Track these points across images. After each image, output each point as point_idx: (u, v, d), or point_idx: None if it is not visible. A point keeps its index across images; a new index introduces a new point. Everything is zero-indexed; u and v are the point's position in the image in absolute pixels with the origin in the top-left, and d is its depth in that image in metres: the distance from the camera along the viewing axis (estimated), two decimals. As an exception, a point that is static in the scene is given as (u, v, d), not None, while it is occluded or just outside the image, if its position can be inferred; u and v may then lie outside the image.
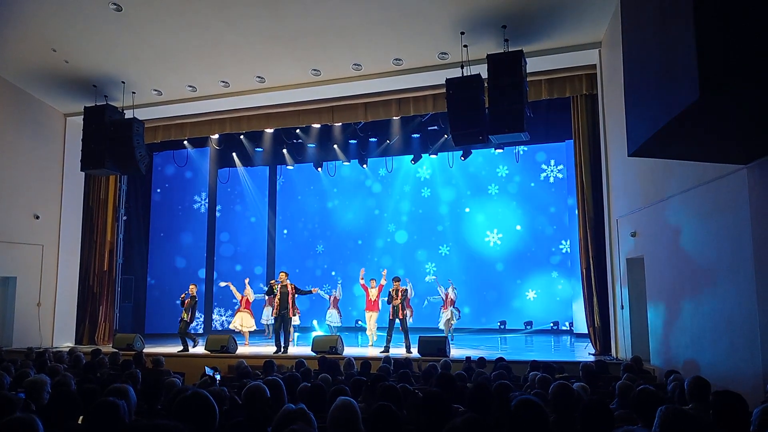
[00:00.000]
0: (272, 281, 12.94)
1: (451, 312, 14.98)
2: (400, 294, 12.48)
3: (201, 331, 16.86)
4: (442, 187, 20.28)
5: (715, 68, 3.93)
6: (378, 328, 13.82)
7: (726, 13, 3.96)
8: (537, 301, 18.70)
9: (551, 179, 19.05)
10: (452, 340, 14.32)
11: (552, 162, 19.06)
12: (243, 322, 14.43)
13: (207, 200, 19.41)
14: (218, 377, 6.72)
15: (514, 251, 19.18)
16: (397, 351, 12.03)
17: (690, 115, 4.38)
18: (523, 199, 19.36)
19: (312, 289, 13.77)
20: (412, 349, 11.96)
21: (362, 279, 14.03)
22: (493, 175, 19.67)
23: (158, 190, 19.29)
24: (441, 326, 15.06)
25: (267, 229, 20.81)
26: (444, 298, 15.17)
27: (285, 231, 21.36)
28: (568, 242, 17.73)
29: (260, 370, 8.08)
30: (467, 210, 19.87)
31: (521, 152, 18.99)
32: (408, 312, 13.05)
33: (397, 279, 12.83)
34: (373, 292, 13.75)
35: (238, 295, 14.77)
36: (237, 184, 20.26)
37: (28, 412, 3.68)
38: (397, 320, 12.44)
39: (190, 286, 13.49)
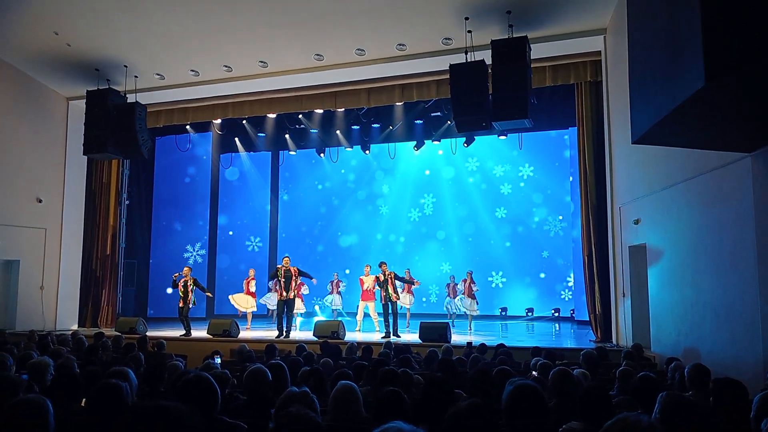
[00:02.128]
0: (278, 266, 12.94)
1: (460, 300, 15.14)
2: (390, 279, 12.43)
3: (204, 315, 16.89)
4: (445, 208, 20.04)
5: (720, 56, 3.91)
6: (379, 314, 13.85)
7: (732, 1, 3.93)
8: (538, 296, 18.75)
9: (551, 233, 18.75)
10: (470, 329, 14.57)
11: (558, 218, 18.68)
12: (246, 303, 14.76)
13: (210, 185, 19.40)
14: (219, 361, 6.75)
15: (519, 292, 18.85)
16: (403, 336, 12.08)
17: (695, 102, 4.36)
18: (525, 235, 19.10)
19: (313, 279, 13.74)
20: (399, 334, 12.12)
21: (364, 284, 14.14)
22: (497, 196, 19.40)
23: (161, 174, 19.27)
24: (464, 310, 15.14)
25: (269, 213, 20.78)
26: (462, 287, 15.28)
27: (285, 197, 21.26)
28: (573, 276, 17.46)
29: (262, 354, 8.12)
30: (470, 239, 19.57)
31: (524, 179, 18.95)
32: (399, 297, 13.00)
33: (383, 263, 12.80)
34: (368, 281, 13.79)
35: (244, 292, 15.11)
36: (240, 168, 20.21)
37: (30, 393, 3.71)
38: (390, 305, 12.35)
39: (185, 269, 13.48)
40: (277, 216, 20.99)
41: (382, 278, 12.47)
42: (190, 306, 13.10)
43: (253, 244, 20.18)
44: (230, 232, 20.06)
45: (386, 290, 12.35)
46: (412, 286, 15.09)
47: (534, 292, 18.63)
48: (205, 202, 19.37)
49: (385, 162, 19.77)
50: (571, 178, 17.36)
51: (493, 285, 18.95)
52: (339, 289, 16.28)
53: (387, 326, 12.31)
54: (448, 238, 19.79)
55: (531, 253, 18.83)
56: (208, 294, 14.17)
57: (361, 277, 14.18)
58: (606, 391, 3.60)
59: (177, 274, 13.27)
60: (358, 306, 14.35)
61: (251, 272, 15.41)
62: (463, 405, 2.45)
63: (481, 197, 19.59)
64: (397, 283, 12.72)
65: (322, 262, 20.35)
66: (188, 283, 13.07)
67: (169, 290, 12.96)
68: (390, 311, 12.35)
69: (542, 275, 18.60)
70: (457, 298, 15.19)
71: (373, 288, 13.60)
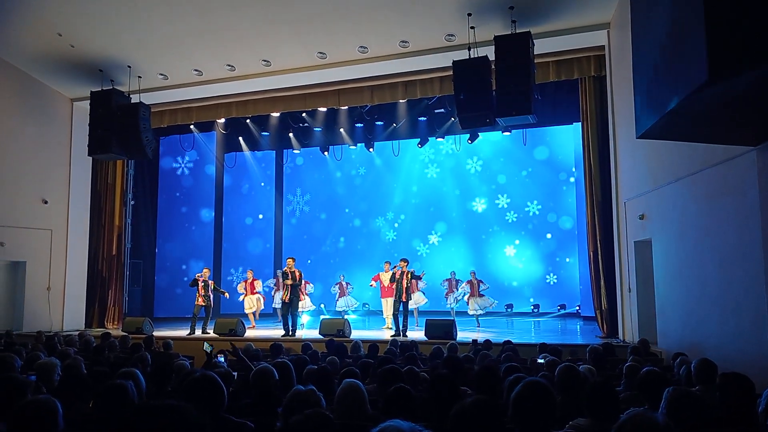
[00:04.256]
0: (283, 269, 13.01)
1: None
2: (405, 276, 12.44)
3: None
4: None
5: (724, 50, 3.89)
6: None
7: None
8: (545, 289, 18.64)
9: (556, 250, 18.49)
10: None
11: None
12: (255, 304, 15.00)
13: (214, 184, 19.44)
14: (220, 357, 6.76)
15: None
16: (410, 334, 12.06)
17: (699, 96, 4.34)
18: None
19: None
20: (407, 333, 12.05)
21: (376, 281, 14.22)
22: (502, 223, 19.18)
23: (165, 174, 19.31)
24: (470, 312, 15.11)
25: (274, 213, 20.79)
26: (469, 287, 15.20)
27: (293, 221, 21.22)
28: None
29: (268, 353, 8.14)
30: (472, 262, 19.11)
31: (535, 212, 18.68)
32: (413, 296, 13.03)
33: (404, 260, 12.80)
34: (386, 277, 13.74)
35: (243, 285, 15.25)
36: (244, 167, 20.23)
37: (38, 394, 3.72)
38: (401, 303, 12.33)
39: (204, 270, 13.55)
40: (282, 216, 20.96)
41: (398, 274, 12.48)
42: (211, 305, 13.31)
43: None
44: (235, 272, 19.88)
45: (398, 287, 12.36)
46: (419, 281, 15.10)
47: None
48: (210, 202, 19.40)
49: (389, 163, 19.67)
50: (574, 179, 17.32)
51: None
52: (348, 291, 16.29)
53: (396, 323, 12.33)
54: (449, 246, 19.55)
55: (536, 274, 18.57)
56: (225, 294, 14.31)
57: (379, 273, 14.17)
58: (612, 387, 3.60)
59: (199, 274, 13.35)
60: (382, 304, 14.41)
61: (249, 274, 15.42)
62: (468, 402, 2.45)
63: (486, 202, 19.39)
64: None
65: (326, 262, 20.32)
66: (208, 284, 13.19)
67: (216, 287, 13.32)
68: (400, 309, 12.35)
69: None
70: (471, 300, 15.05)
71: (392, 284, 13.65)
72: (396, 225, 20.15)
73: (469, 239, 19.37)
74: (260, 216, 20.60)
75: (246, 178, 20.44)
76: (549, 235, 18.62)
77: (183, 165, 19.53)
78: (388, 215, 20.22)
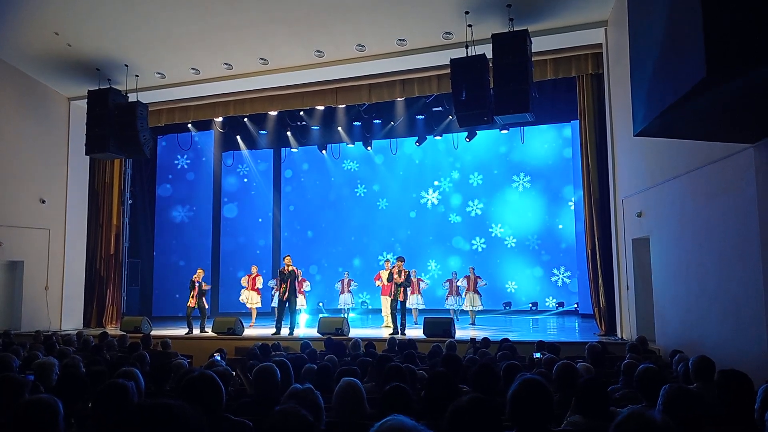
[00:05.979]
0: (281, 269, 13.01)
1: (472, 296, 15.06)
2: (403, 275, 12.43)
3: (208, 313, 16.91)
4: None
5: (721, 46, 3.89)
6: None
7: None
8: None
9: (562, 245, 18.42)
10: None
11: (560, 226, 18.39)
12: (250, 299, 14.93)
13: (212, 183, 19.43)
14: (217, 356, 6.75)
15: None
16: (409, 332, 12.06)
17: (696, 94, 4.33)
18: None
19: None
20: (406, 331, 12.02)
21: (378, 280, 14.23)
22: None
23: (163, 173, 19.30)
24: (465, 308, 15.11)
25: (272, 212, 20.76)
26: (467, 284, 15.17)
27: (291, 211, 21.18)
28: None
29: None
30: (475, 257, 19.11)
31: (535, 246, 18.58)
32: (410, 295, 13.05)
33: (401, 259, 12.80)
34: (385, 276, 13.75)
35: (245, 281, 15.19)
36: (241, 166, 20.21)
37: (37, 393, 3.72)
38: (398, 302, 12.35)
39: (198, 270, 13.51)
40: (280, 216, 20.92)
41: (395, 272, 12.46)
42: (205, 306, 13.23)
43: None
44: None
45: (395, 286, 12.36)
46: (421, 282, 15.11)
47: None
48: (208, 201, 19.38)
49: (387, 166, 19.63)
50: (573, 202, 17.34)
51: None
52: (350, 288, 16.29)
53: (394, 322, 12.32)
54: (449, 252, 19.50)
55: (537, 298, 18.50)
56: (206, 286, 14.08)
57: (380, 272, 14.15)
58: (603, 384, 3.60)
59: (195, 276, 13.31)
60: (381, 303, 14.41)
61: (254, 269, 15.40)
62: (464, 399, 2.45)
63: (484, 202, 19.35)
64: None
65: (326, 262, 20.29)
66: (202, 285, 13.17)
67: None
68: (398, 308, 12.35)
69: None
70: (467, 295, 15.05)
71: (390, 283, 13.64)
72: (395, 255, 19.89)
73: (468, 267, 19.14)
74: (259, 219, 20.54)
75: (244, 176, 20.39)
76: (551, 267, 18.55)
77: (181, 211, 19.48)
78: (389, 239, 20.06)
